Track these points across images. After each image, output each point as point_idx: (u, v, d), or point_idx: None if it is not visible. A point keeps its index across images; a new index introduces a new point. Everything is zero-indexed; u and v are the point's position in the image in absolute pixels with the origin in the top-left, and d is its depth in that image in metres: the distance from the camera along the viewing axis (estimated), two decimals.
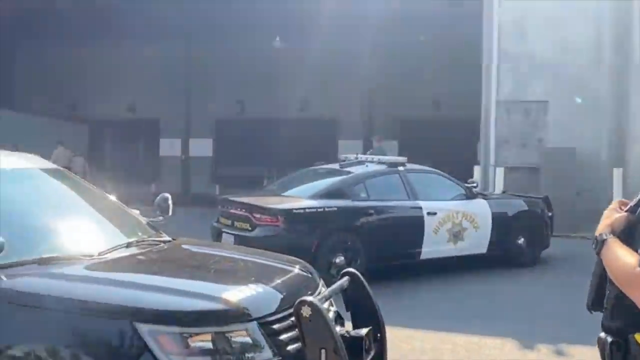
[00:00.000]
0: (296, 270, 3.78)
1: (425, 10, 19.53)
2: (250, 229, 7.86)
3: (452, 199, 9.10)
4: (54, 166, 4.45)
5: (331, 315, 3.68)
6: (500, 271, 9.25)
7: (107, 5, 20.13)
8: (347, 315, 3.89)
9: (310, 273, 3.91)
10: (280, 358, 3.04)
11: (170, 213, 4.62)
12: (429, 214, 8.66)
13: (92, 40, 23.88)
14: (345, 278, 3.84)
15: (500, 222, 9.24)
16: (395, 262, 8.51)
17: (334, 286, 3.67)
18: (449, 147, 22.54)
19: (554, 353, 5.91)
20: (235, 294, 3.11)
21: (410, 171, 9.03)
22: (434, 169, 9.50)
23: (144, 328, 2.80)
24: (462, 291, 8.23)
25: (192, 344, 2.85)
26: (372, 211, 8.27)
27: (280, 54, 23.08)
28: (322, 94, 24.13)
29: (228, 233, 8.13)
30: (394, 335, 5.78)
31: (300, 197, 8.19)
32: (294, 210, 7.80)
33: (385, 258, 8.32)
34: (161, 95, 24.87)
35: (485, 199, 9.52)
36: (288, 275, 3.67)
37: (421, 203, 8.69)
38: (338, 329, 3.58)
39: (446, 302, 7.72)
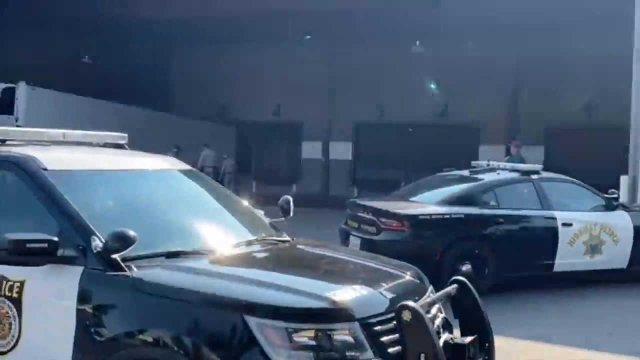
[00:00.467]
0: (404, 275, 3.86)
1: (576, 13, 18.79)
2: (376, 232, 7.99)
3: (590, 210, 8.72)
4: (189, 167, 4.83)
5: (438, 321, 3.74)
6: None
7: (267, 10, 20.98)
8: (456, 323, 3.94)
9: (420, 279, 3.97)
10: (381, 359, 3.15)
11: (291, 214, 4.87)
12: (564, 224, 8.35)
13: (240, 45, 25.14)
14: (454, 286, 3.89)
15: None
16: (526, 273, 8.28)
17: (439, 293, 3.73)
18: (597, 154, 21.52)
19: None
20: (341, 295, 3.25)
21: (545, 180, 8.74)
22: (570, 178, 9.13)
23: (252, 321, 3.01)
24: (595, 307, 7.87)
25: (296, 339, 3.03)
26: (501, 220, 8.10)
27: (420, 58, 23.06)
28: (463, 98, 23.84)
29: (355, 235, 8.32)
30: (514, 347, 5.74)
31: (427, 203, 8.20)
32: (420, 216, 7.83)
33: (515, 268, 8.10)
34: (304, 99, 25.70)
35: (627, 211, 9.01)
36: (395, 280, 3.76)
37: (556, 213, 8.39)
38: (445, 335, 3.66)
39: (577, 317, 7.42)
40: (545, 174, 8.92)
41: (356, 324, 3.15)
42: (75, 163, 4.03)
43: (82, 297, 3.26)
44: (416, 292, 3.71)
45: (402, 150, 24.94)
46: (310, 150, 26.82)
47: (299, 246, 4.26)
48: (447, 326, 3.86)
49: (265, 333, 3.01)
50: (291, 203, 4.88)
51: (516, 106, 23.89)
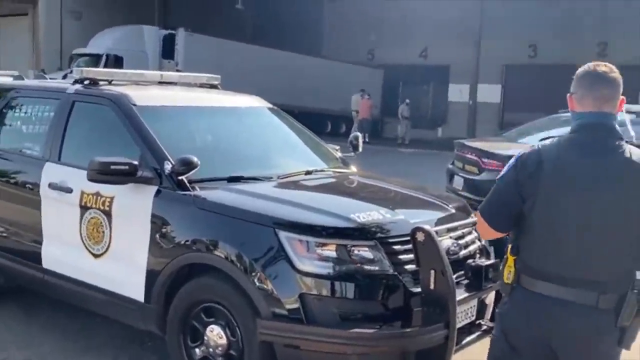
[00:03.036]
0: (443, 205, 4.17)
1: None
2: (477, 172, 8.15)
3: None
4: (271, 106, 5.38)
5: (474, 247, 4.05)
6: None
7: None
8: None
9: (462, 210, 4.27)
10: (397, 273, 3.55)
11: (360, 150, 5.29)
12: None
13: None
14: None
15: None
16: None
17: (465, 221, 4.02)
18: None
19: None
20: (363, 216, 3.64)
21: None
22: None
23: (282, 234, 3.53)
24: None
25: (318, 251, 3.51)
26: None
27: None
28: (622, 36, 22.34)
29: (459, 175, 8.53)
30: None
31: (532, 145, 8.13)
32: None
33: None
34: (452, 41, 25.33)
35: None
36: (429, 208, 4.11)
37: None
38: (478, 260, 3.97)
39: None
40: None
41: (374, 242, 3.56)
42: (163, 100, 4.72)
43: (155, 211, 3.94)
44: (451, 219, 4.02)
45: (554, 93, 23.94)
46: (458, 93, 26.54)
47: (351, 177, 4.70)
48: (484, 252, 4.16)
49: (292, 244, 3.51)
50: (360, 139, 5.30)
51: None
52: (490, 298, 3.96)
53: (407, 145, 23.45)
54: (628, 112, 8.40)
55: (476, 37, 25.21)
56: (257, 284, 3.48)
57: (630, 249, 2.53)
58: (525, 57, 24.64)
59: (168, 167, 3.95)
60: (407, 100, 24.62)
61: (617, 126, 2.57)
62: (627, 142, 2.57)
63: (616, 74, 2.59)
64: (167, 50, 21.72)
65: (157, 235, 3.90)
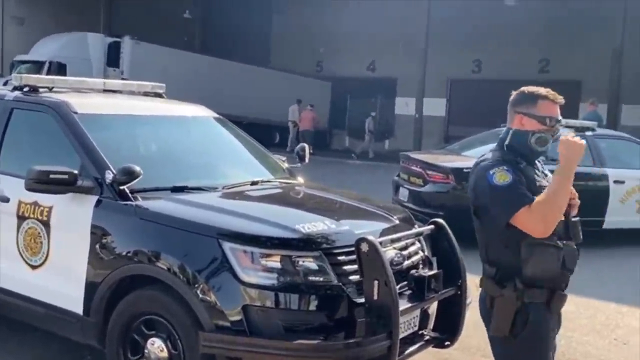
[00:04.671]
0: (387, 216, 4.20)
1: None
2: (422, 184, 8.27)
3: None
4: (217, 115, 5.33)
5: (417, 257, 4.09)
6: None
7: None
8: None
9: (405, 221, 4.31)
10: (341, 284, 3.55)
11: (306, 161, 5.29)
12: (615, 182, 8.28)
13: (337, 1, 25.36)
14: (429, 227, 4.21)
15: None
16: None
17: (409, 232, 4.06)
18: None
19: None
20: (308, 227, 3.64)
21: (600, 137, 8.64)
22: (627, 136, 8.96)
23: (226, 245, 3.49)
24: (632, 262, 7.87)
25: (263, 262, 3.49)
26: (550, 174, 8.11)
27: (515, 11, 22.44)
28: (563, 54, 23.05)
29: (404, 187, 8.63)
30: None
31: (475, 157, 8.32)
32: (465, 169, 7.99)
33: None
34: (399, 55, 25.67)
35: None
36: (373, 219, 4.14)
37: (608, 171, 8.32)
38: (421, 270, 4.00)
39: (611, 270, 7.46)
40: (600, 131, 8.81)
41: (319, 253, 3.56)
42: (106, 108, 4.63)
43: (95, 221, 3.85)
44: (395, 230, 4.05)
45: (497, 108, 24.47)
46: (404, 106, 26.85)
47: (297, 188, 4.70)
48: (427, 263, 4.20)
49: (236, 255, 3.48)
50: (307, 150, 5.30)
51: (620, 63, 22.77)
52: (432, 308, 4.00)
53: (371, 158, 23.53)
54: (567, 126, 8.67)
55: (422, 51, 25.55)
56: (200, 295, 3.44)
57: None
58: (469, 72, 25.16)
59: (109, 176, 3.88)
60: (373, 114, 24.78)
61: (505, 138, 2.77)
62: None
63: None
64: (113, 58, 21.37)
65: (97, 246, 3.82)
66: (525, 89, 2.79)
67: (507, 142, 2.78)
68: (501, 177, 2.64)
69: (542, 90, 2.77)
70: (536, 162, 2.87)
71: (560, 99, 2.76)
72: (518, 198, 2.60)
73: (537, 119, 2.72)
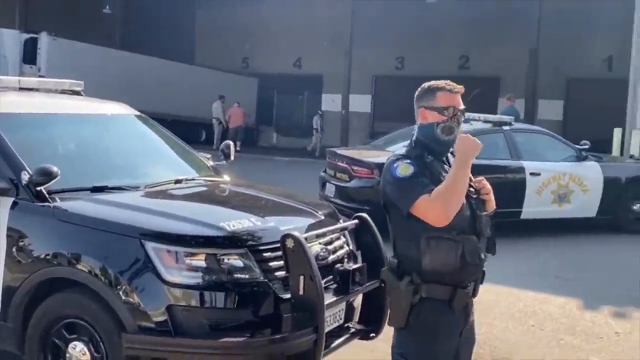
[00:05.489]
0: (312, 211, 4.23)
1: None
2: (348, 180, 8.38)
3: (561, 161, 8.95)
4: (139, 113, 5.23)
5: (342, 252, 4.14)
6: (606, 236, 9.03)
7: None
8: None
9: (331, 216, 4.35)
10: (267, 280, 3.56)
11: (232, 158, 5.25)
12: (532, 174, 8.61)
13: None
14: (353, 221, 4.27)
15: (613, 186, 8.94)
16: (495, 219, 8.57)
17: (334, 226, 4.11)
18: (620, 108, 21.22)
19: (615, 314, 5.89)
20: (233, 224, 3.63)
21: (517, 131, 8.97)
22: (543, 129, 9.35)
23: (149, 245, 3.44)
24: (550, 251, 8.22)
25: (187, 261, 3.46)
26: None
27: (436, 9, 22.95)
28: (482, 51, 23.72)
29: (330, 183, 8.72)
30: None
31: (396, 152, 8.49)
32: None
33: None
34: (324, 51, 25.82)
35: (599, 162, 9.21)
36: (298, 215, 4.16)
37: (524, 163, 8.65)
38: (346, 264, 4.06)
39: (529, 260, 7.76)
40: (517, 125, 9.14)
41: (244, 250, 3.56)
42: (22, 107, 4.47)
43: (11, 224, 3.73)
44: (320, 225, 4.08)
45: None
46: (330, 102, 27.02)
47: (222, 185, 4.68)
48: (352, 257, 4.26)
49: (160, 255, 3.43)
50: (232, 147, 5.27)
51: (537, 58, 23.63)
52: (358, 301, 4.07)
53: (317, 157, 23.47)
54: (486, 121, 8.96)
55: (347, 48, 25.83)
56: (123, 297, 3.39)
57: None
58: (392, 69, 25.55)
59: (25, 177, 3.75)
60: (320, 112, 24.77)
61: (413, 134, 2.83)
62: None
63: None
64: (29, 55, 20.59)
65: (14, 249, 3.71)
66: (425, 84, 2.86)
67: (414, 137, 2.84)
68: (403, 169, 2.70)
69: (440, 83, 2.84)
70: (448, 156, 2.90)
71: (459, 88, 2.82)
72: (418, 186, 2.66)
73: (437, 110, 2.77)
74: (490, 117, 9.25)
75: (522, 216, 8.66)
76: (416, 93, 2.87)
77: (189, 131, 18.93)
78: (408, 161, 2.73)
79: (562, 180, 8.75)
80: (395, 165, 2.74)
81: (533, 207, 8.66)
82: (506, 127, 8.87)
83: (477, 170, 3.01)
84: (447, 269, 2.69)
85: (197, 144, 5.37)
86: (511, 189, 8.54)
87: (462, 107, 2.80)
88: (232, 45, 27.50)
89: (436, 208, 2.62)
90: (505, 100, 13.28)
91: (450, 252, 2.67)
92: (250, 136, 25.98)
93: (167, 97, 22.23)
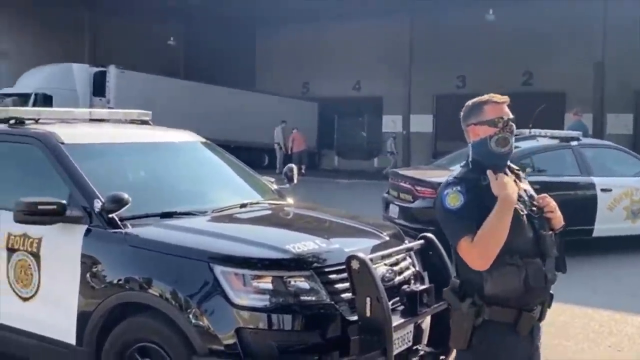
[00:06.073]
0: (377, 233, 4.22)
1: None
2: (412, 200, 8.31)
3: (633, 176, 8.65)
4: (204, 140, 5.35)
5: (408, 273, 4.10)
6: None
7: None
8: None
9: (396, 237, 4.33)
10: (333, 302, 3.55)
11: (295, 181, 5.31)
12: (603, 190, 8.35)
13: (320, 22, 25.54)
14: (419, 241, 4.24)
15: None
16: (565, 238, 8.34)
17: (399, 247, 4.08)
18: None
19: None
20: (298, 247, 3.65)
21: (585, 146, 8.73)
22: (613, 144, 9.06)
23: (217, 268, 3.49)
24: (625, 269, 7.92)
25: (254, 284, 3.49)
26: (537, 186, 8.15)
27: (497, 26, 22.69)
28: (547, 65, 23.27)
29: (394, 204, 8.67)
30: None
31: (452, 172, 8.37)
32: None
33: None
34: (384, 73, 25.85)
35: None
36: (364, 236, 4.16)
37: (595, 179, 8.40)
38: (413, 285, 4.02)
39: (604, 279, 7.49)
40: (586, 141, 8.90)
41: (310, 272, 3.57)
42: (92, 137, 4.64)
43: (85, 251, 3.85)
44: (385, 246, 4.06)
45: None
46: (391, 123, 26.99)
47: (286, 209, 4.72)
48: (418, 278, 4.21)
49: (228, 278, 3.48)
50: (295, 171, 5.33)
51: (603, 71, 23.02)
52: (426, 323, 4.01)
53: (379, 179, 23.44)
54: (553, 137, 8.78)
55: (406, 68, 25.82)
56: (193, 320, 3.43)
57: None
58: (454, 87, 25.33)
59: (98, 205, 3.87)
60: (394, 135, 24.75)
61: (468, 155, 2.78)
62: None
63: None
64: (98, 87, 21.39)
65: (88, 275, 3.81)
66: (469, 102, 2.82)
67: (470, 157, 2.78)
68: (452, 199, 2.65)
69: (483, 97, 2.80)
70: (509, 171, 2.81)
71: (504, 98, 2.77)
72: (461, 227, 2.61)
73: (487, 124, 2.72)
74: (557, 132, 9.03)
75: (594, 234, 8.40)
76: (462, 113, 2.83)
77: (252, 156, 19.24)
78: (459, 188, 2.66)
79: (635, 196, 8.45)
80: (445, 192, 2.69)
81: (605, 224, 8.39)
82: (574, 143, 8.66)
83: (546, 187, 2.95)
84: (511, 294, 2.62)
85: (260, 169, 5.43)
86: (582, 206, 8.30)
87: (511, 116, 2.75)
88: (292, 70, 27.87)
89: (475, 254, 2.59)
90: (572, 115, 12.96)
91: (513, 277, 2.60)
92: (312, 160, 26.16)
93: (231, 124, 22.67)
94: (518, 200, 2.68)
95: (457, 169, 2.86)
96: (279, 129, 24.52)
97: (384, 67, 25.74)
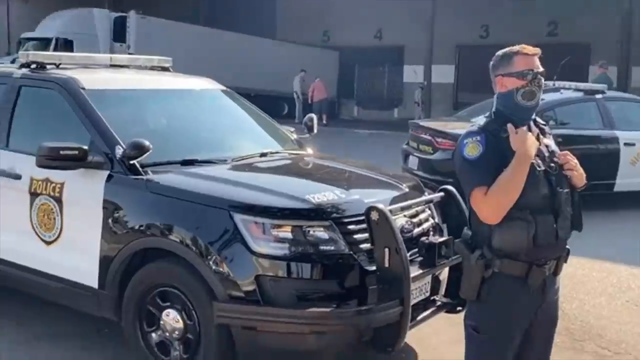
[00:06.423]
0: (397, 184, 4.21)
1: None
2: (431, 152, 8.26)
3: None
4: (225, 88, 5.32)
5: (427, 225, 4.11)
6: None
7: None
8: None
9: (415, 189, 4.32)
10: (352, 253, 3.57)
11: (315, 131, 5.29)
12: (626, 144, 8.24)
13: None
14: (439, 194, 4.23)
15: None
16: (586, 192, 8.28)
17: (419, 199, 4.07)
18: None
19: None
20: (318, 197, 3.65)
21: (610, 99, 8.57)
22: (638, 98, 8.88)
23: (237, 216, 3.51)
24: None
25: (274, 233, 3.51)
26: (559, 139, 8.03)
27: None
28: (571, 17, 22.74)
29: (413, 155, 8.62)
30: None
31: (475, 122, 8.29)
32: None
33: None
34: (405, 23, 25.40)
35: None
36: (383, 187, 4.15)
37: (618, 133, 8.27)
38: (432, 237, 4.03)
39: (624, 234, 7.44)
40: (610, 93, 8.73)
41: (329, 222, 3.58)
42: (113, 83, 4.63)
43: (107, 196, 3.89)
44: (404, 198, 4.06)
45: None
46: (412, 74, 26.63)
47: (306, 158, 4.71)
48: (437, 230, 4.22)
49: (247, 227, 3.50)
50: (315, 120, 5.30)
51: (630, 23, 22.44)
52: (444, 274, 4.03)
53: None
54: (577, 89, 8.63)
55: (429, 18, 25.30)
56: (213, 267, 3.47)
57: None
58: (477, 38, 24.88)
59: (119, 151, 3.90)
60: (421, 85, 24.46)
61: (493, 104, 2.73)
62: None
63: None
64: (119, 33, 21.27)
65: (110, 221, 3.85)
66: (499, 51, 2.74)
67: (494, 108, 2.74)
68: (471, 149, 2.61)
69: (514, 47, 2.72)
70: (535, 125, 2.76)
71: (536, 50, 2.69)
72: (477, 176, 2.58)
73: (515, 76, 2.65)
74: (582, 85, 8.86)
75: (616, 188, 8.32)
76: (491, 62, 2.76)
77: (271, 105, 19.13)
78: (478, 138, 2.62)
79: None
80: (465, 141, 2.65)
81: (627, 179, 8.29)
82: (599, 96, 8.50)
83: (568, 140, 2.86)
84: (518, 249, 2.60)
85: (279, 118, 5.40)
86: (604, 160, 8.20)
87: (541, 69, 2.69)
88: (313, 19, 27.46)
89: (488, 207, 2.56)
90: (597, 68, 12.69)
91: (521, 232, 2.57)
92: (331, 109, 26.02)
93: (250, 72, 22.51)
94: (537, 155, 2.63)
95: (480, 120, 2.82)
96: (298, 78, 24.34)
97: (406, 15, 25.27)
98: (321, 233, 3.56)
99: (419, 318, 3.76)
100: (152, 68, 5.32)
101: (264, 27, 27.14)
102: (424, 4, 24.71)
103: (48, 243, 4.13)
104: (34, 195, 4.15)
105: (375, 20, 26.42)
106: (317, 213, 3.59)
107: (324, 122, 21.27)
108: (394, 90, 27.68)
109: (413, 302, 3.55)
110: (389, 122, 24.65)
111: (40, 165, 3.87)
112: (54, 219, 4.09)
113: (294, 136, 5.21)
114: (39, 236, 4.16)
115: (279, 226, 3.52)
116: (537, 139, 2.71)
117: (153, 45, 16.83)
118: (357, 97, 28.70)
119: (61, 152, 3.83)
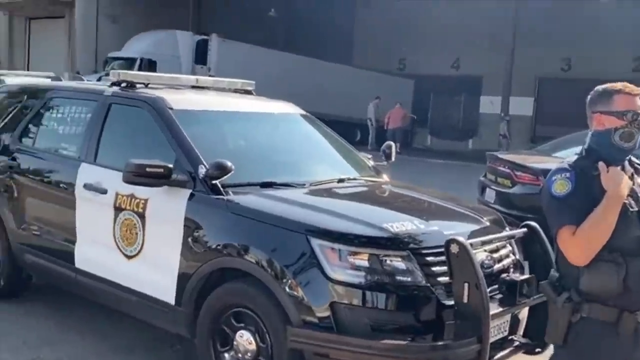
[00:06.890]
0: (477, 217, 4.11)
1: None
2: (510, 185, 8.05)
3: None
4: (304, 112, 5.36)
5: (508, 261, 3.99)
6: None
7: None
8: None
9: (496, 223, 4.21)
10: (429, 285, 3.50)
11: (393, 159, 5.25)
12: None
13: None
14: (522, 230, 4.10)
15: None
16: None
17: (500, 234, 3.96)
18: None
19: None
20: (397, 226, 3.60)
21: None
22: None
23: (315, 241, 3.50)
24: None
25: (351, 260, 3.48)
26: None
27: (609, 8, 21.56)
28: None
29: (491, 188, 8.42)
30: None
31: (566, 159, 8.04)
32: None
33: None
34: (484, 52, 25.17)
35: None
36: (463, 220, 4.05)
37: None
38: (512, 274, 3.90)
39: None
40: None
41: (407, 252, 3.52)
42: (199, 104, 4.74)
43: (188, 214, 3.95)
44: (485, 232, 3.96)
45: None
46: (489, 104, 26.30)
47: (383, 186, 4.68)
48: (518, 267, 4.09)
49: (324, 252, 3.48)
50: (393, 148, 5.27)
51: None
52: (523, 313, 3.90)
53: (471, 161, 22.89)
54: None
55: (509, 48, 24.96)
56: (288, 290, 3.46)
57: None
58: (558, 70, 24.39)
59: (202, 171, 3.97)
60: (507, 118, 23.90)
61: (586, 142, 2.63)
62: None
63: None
64: (200, 55, 21.90)
65: (190, 239, 3.91)
66: (599, 87, 2.64)
67: (586, 145, 2.63)
68: (560, 186, 2.51)
69: (617, 85, 2.60)
70: (629, 164, 2.63)
71: (638, 90, 2.57)
72: (565, 214, 2.47)
73: (615, 115, 2.54)
74: None
75: None
76: (589, 97, 2.66)
77: (344, 131, 19.15)
78: (568, 175, 2.52)
79: None
80: (554, 178, 2.56)
81: None
82: None
83: None
84: (607, 293, 2.48)
85: (352, 144, 5.39)
86: None
87: None
88: (390, 46, 27.60)
89: (576, 248, 2.45)
90: None
91: (611, 275, 2.45)
92: (404, 138, 25.92)
93: (326, 97, 22.71)
94: (629, 195, 2.51)
95: (571, 157, 2.72)
96: (372, 104, 24.37)
97: (485, 45, 25.05)
98: (398, 263, 3.51)
99: (496, 357, 3.64)
100: (235, 91, 5.42)
101: (341, 53, 27.41)
102: (504, 34, 24.46)
103: (129, 257, 4.23)
104: (118, 210, 4.27)
105: (453, 49, 26.29)
106: (395, 242, 3.54)
107: (398, 150, 21.16)
108: (469, 121, 27.39)
109: (491, 340, 3.43)
110: (463, 152, 24.35)
111: (127, 180, 3.98)
112: (136, 234, 4.18)
113: (371, 163, 5.19)
114: (120, 250, 4.26)
115: (356, 253, 3.49)
116: (631, 178, 2.60)
117: (233, 68, 17.25)
118: (430, 126, 28.52)
119: (147, 169, 3.93)
